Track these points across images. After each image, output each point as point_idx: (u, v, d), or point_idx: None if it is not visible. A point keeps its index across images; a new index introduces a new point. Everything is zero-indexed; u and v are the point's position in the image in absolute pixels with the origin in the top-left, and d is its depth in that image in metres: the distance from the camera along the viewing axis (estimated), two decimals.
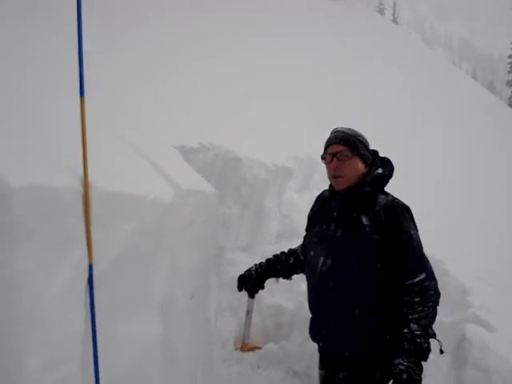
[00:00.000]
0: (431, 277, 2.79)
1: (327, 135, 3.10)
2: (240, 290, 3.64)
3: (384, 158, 3.08)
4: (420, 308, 2.69)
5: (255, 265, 3.60)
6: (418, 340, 2.63)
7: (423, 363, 2.68)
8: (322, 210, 3.14)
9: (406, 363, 2.60)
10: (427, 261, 2.84)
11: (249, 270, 3.60)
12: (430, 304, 2.72)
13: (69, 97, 2.69)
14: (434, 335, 2.76)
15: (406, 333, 2.65)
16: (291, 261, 3.46)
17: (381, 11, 46.59)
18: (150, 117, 4.30)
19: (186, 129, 4.62)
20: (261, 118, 6.52)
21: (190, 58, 6.82)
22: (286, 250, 3.55)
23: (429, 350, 2.68)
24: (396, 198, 2.96)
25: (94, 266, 2.31)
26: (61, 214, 2.20)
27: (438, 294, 2.78)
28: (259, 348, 4.30)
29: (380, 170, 2.98)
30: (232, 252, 4.91)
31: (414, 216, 2.94)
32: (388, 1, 55.74)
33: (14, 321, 2.01)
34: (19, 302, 2.02)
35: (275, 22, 12.49)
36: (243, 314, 4.09)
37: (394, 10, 55.78)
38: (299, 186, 5.93)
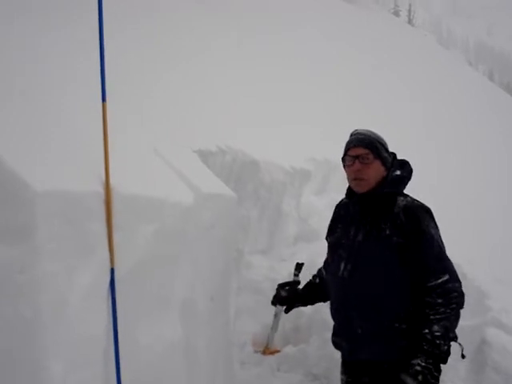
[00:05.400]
0: (454, 278, 2.72)
1: (343, 137, 3.06)
2: (274, 305, 3.63)
3: (402, 160, 3.02)
4: (442, 309, 2.63)
5: (295, 286, 3.51)
6: (438, 342, 2.57)
7: (442, 366, 2.63)
8: (342, 216, 3.09)
9: (423, 364, 2.54)
10: (450, 262, 2.78)
11: (288, 291, 3.46)
12: (453, 306, 2.66)
13: (90, 100, 2.71)
14: (455, 338, 2.68)
15: (426, 333, 2.59)
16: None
17: (396, 13, 46.35)
18: (167, 120, 4.29)
19: (203, 132, 4.61)
20: (274, 120, 6.47)
21: (198, 60, 6.79)
22: (315, 272, 3.42)
23: (448, 352, 2.61)
24: (415, 200, 2.90)
25: (115, 269, 2.33)
26: (83, 217, 2.22)
27: (461, 296, 2.71)
28: (279, 351, 4.30)
29: (398, 172, 2.93)
30: (250, 255, 4.91)
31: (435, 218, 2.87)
32: (403, 2, 55.54)
33: (38, 323, 2.04)
34: (42, 305, 2.05)
35: (289, 22, 12.44)
36: (261, 317, 4.10)
37: (410, 12, 55.39)
38: (317, 189, 5.89)
